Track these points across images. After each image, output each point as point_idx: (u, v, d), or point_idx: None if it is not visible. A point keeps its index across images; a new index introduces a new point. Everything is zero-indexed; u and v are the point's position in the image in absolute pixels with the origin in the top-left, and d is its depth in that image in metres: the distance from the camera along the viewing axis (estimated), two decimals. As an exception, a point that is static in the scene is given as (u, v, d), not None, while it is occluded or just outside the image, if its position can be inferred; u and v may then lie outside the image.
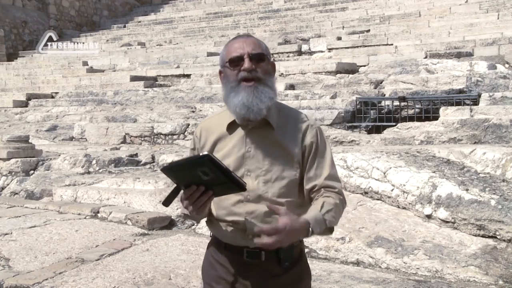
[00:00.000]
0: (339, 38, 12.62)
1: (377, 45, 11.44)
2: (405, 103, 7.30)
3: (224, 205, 1.67)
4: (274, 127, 1.67)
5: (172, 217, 4.81)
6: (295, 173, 1.67)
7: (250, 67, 1.62)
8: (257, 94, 1.61)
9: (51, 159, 6.91)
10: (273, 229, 1.45)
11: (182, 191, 1.54)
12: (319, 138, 1.70)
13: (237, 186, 1.48)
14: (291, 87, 9.66)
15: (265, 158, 1.65)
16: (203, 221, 1.80)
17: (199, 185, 1.49)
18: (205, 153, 1.43)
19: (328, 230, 1.60)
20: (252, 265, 1.66)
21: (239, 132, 1.69)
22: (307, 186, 1.67)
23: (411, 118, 7.12)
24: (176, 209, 4.68)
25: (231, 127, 1.70)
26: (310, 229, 1.52)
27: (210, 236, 1.80)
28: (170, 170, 1.48)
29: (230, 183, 1.47)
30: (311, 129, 1.70)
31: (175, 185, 1.54)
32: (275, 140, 1.66)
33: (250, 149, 1.67)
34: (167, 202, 1.56)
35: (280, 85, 9.61)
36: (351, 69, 10.18)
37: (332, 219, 1.59)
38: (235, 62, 1.64)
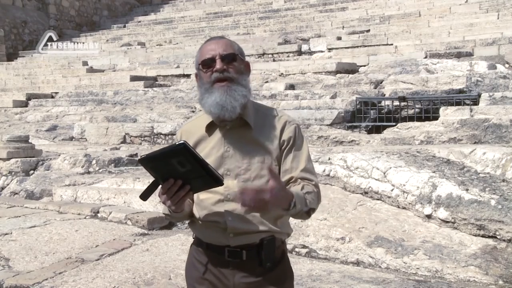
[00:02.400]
0: (339, 38, 12.62)
1: (377, 45, 11.44)
2: (405, 103, 7.30)
3: (204, 205, 1.68)
4: (252, 126, 1.68)
5: (172, 217, 4.81)
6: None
7: (222, 68, 1.64)
8: (231, 92, 1.63)
9: (51, 159, 6.91)
10: (259, 189, 1.44)
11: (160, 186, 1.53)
12: (296, 134, 1.71)
13: (214, 179, 1.48)
14: (291, 87, 9.67)
15: (244, 157, 1.66)
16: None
17: (176, 178, 1.49)
18: (181, 141, 1.42)
19: (306, 213, 1.61)
20: (234, 265, 1.66)
21: (218, 133, 1.71)
22: (284, 178, 1.67)
23: (411, 118, 7.12)
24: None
25: (210, 129, 1.71)
26: (293, 202, 1.53)
27: (193, 237, 1.80)
28: (148, 161, 1.46)
29: (207, 176, 1.47)
30: (289, 125, 1.71)
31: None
32: (253, 139, 1.68)
33: (228, 149, 1.68)
34: (144, 195, 1.54)
35: (280, 85, 9.62)
36: (351, 69, 10.18)
37: (312, 201, 1.61)
38: (208, 64, 1.66)
